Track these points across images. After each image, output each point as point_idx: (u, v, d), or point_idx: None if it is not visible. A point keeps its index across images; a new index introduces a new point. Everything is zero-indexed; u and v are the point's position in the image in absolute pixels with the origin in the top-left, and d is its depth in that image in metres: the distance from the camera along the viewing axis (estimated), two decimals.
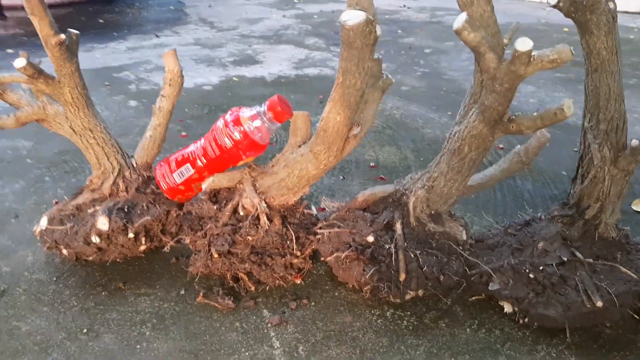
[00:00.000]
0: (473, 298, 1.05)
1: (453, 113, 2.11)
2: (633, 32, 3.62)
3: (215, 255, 1.03)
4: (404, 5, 4.55)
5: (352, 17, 0.81)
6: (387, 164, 1.68)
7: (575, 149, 1.77)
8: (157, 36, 3.44)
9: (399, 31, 3.63)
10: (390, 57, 2.97)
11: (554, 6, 0.86)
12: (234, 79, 2.57)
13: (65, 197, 1.20)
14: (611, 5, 0.87)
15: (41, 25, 1.02)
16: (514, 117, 0.86)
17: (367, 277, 0.96)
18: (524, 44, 0.75)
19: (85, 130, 1.12)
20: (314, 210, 1.16)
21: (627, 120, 0.95)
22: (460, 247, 1.02)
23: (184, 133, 1.90)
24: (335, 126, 0.95)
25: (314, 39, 3.40)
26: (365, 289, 0.98)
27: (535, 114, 0.84)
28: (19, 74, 1.05)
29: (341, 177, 1.59)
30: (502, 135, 0.91)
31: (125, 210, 1.10)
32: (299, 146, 1.05)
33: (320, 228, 1.06)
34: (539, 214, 1.09)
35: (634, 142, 0.90)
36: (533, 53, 0.75)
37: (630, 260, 0.97)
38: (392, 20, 3.97)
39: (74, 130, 1.12)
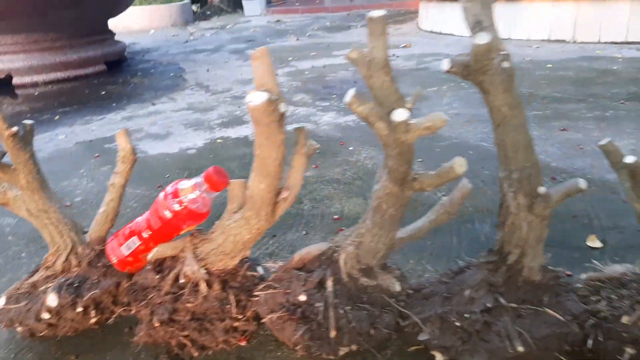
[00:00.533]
0: (412, 349, 1.05)
1: (424, 159, 2.15)
2: (617, 62, 3.65)
3: (157, 324, 1.07)
4: (394, 55, 4.68)
5: (256, 98, 0.88)
6: (351, 216, 1.71)
7: None
8: (153, 104, 3.61)
9: None
10: None
11: (448, 71, 0.91)
12: (218, 140, 2.67)
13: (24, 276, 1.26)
14: (505, 64, 0.91)
15: None
16: (416, 176, 0.90)
17: (298, 336, 0.99)
18: (400, 115, 0.80)
19: (40, 212, 1.19)
20: (260, 271, 1.20)
21: (540, 168, 0.98)
22: (394, 299, 1.04)
23: None
24: (260, 194, 1.00)
25: (302, 95, 3.52)
26: (297, 348, 1.00)
27: (432, 172, 0.88)
28: None
29: (304, 232, 1.63)
30: (412, 192, 0.95)
31: (76, 285, 1.16)
32: (235, 212, 1.10)
33: (258, 290, 1.09)
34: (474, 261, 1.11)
35: (541, 190, 0.92)
36: (410, 121, 0.80)
37: (559, 302, 0.98)
38: None
39: (30, 212, 1.19)
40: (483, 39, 0.84)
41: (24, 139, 1.18)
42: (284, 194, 1.05)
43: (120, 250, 1.18)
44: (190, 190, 1.10)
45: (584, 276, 1.04)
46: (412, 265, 1.39)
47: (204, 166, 2.31)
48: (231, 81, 4.19)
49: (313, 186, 2.00)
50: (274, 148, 0.94)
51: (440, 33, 5.71)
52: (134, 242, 1.16)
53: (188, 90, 3.99)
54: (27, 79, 4.57)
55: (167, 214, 1.10)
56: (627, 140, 2.15)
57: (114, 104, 3.71)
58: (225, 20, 9.45)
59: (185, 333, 1.07)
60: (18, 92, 4.47)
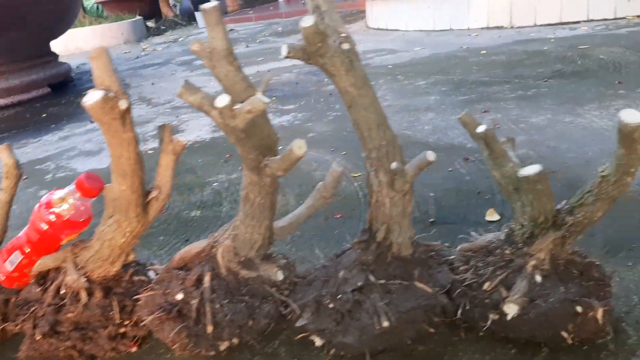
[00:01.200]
0: (298, 337, 1.05)
1: (348, 152, 2.17)
2: (549, 43, 3.74)
3: (39, 337, 1.05)
4: None
5: (91, 96, 0.87)
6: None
7: (450, 169, 1.81)
8: (91, 122, 3.56)
9: (326, 79, 3.75)
10: (308, 107, 3.07)
11: (287, 56, 0.92)
12: (149, 151, 2.64)
13: None
14: (345, 46, 0.92)
15: None
16: (266, 162, 0.90)
17: (174, 334, 0.98)
18: (222, 101, 0.80)
19: None
20: (151, 276, 1.18)
21: (398, 145, 0.99)
22: (275, 289, 1.04)
23: None
24: (123, 195, 0.99)
25: None
26: (175, 346, 0.99)
27: (278, 157, 0.89)
28: None
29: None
30: (270, 178, 0.95)
31: None
32: (110, 217, 1.08)
33: (141, 294, 1.08)
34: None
35: (393, 166, 0.93)
36: (235, 107, 0.81)
37: (430, 274, 0.99)
38: (322, 71, 4.10)
39: None
40: (308, 21, 0.85)
41: None
42: (154, 193, 1.05)
43: (4, 266, 1.15)
44: (63, 200, 1.09)
45: (458, 248, 1.06)
46: (318, 254, 1.39)
47: None
48: (174, 93, 4.13)
49: (236, 188, 1.99)
50: (123, 146, 0.93)
51: (386, 29, 5.77)
52: (17, 257, 1.14)
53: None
54: None
55: (43, 226, 1.08)
56: (542, 116, 2.20)
57: (52, 125, 3.64)
58: (179, 33, 9.39)
59: (70, 344, 1.05)
60: None
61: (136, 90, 4.54)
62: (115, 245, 1.06)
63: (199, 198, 1.95)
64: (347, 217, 1.60)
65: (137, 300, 1.10)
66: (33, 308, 1.09)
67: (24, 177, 2.51)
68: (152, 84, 4.68)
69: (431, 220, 1.48)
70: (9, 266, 1.15)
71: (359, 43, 4.89)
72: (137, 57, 6.79)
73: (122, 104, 0.91)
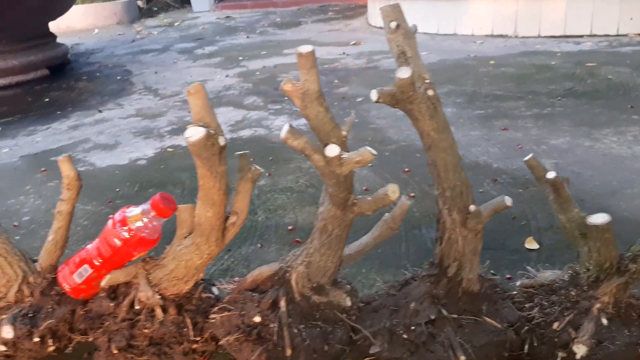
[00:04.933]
0: None
1: (374, 164, 2.22)
2: (555, 57, 3.83)
3: (115, 351, 1.08)
4: (344, 53, 4.74)
5: (194, 133, 0.90)
6: (305, 226, 1.76)
7: (481, 190, 1.87)
8: (99, 111, 3.53)
9: (335, 81, 3.78)
10: None
11: (376, 101, 0.96)
12: (169, 149, 2.65)
13: None
14: (430, 92, 0.97)
15: None
16: (355, 201, 0.95)
17: (255, 357, 1.02)
18: (332, 151, 0.85)
19: None
20: (215, 292, 1.22)
21: (470, 185, 1.04)
22: (345, 314, 1.09)
23: (111, 216, 1.95)
24: (208, 221, 1.02)
25: (253, 98, 3.53)
26: None
27: (369, 198, 0.94)
28: None
29: (259, 245, 1.66)
30: (354, 215, 1.00)
31: (30, 315, 1.15)
32: (185, 237, 1.12)
33: (214, 312, 1.12)
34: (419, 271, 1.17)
35: (472, 208, 0.99)
36: (343, 156, 0.85)
37: (496, 309, 1.05)
38: (330, 70, 4.13)
39: None
40: (405, 73, 0.90)
41: None
42: (232, 219, 1.08)
43: (72, 278, 1.18)
44: (138, 218, 1.11)
45: (518, 283, 1.12)
46: (364, 274, 1.45)
47: (155, 178, 2.30)
48: (180, 83, 4.13)
49: (267, 196, 2.03)
50: (217, 179, 0.97)
51: None
52: (86, 270, 1.16)
53: (136, 95, 3.91)
54: None
55: (117, 242, 1.11)
56: (562, 138, 2.28)
57: (58, 112, 3.60)
58: (173, 16, 9.24)
59: (145, 358, 1.09)
60: None
61: (139, 78, 4.49)
62: (192, 266, 1.09)
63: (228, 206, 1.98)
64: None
65: (208, 317, 1.14)
66: (106, 322, 1.12)
67: (42, 168, 2.51)
68: (155, 72, 4.63)
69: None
70: (77, 278, 1.17)
71: (363, 42, 4.92)
72: (133, 41, 6.68)
73: (221, 141, 0.94)
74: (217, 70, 4.53)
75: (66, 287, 1.19)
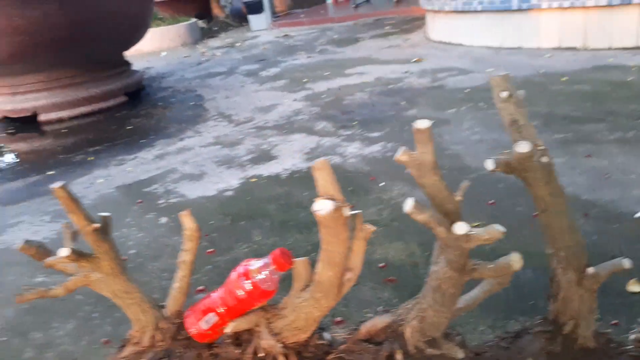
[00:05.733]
0: None
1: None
2: (630, 72, 3.71)
3: None
4: (407, 72, 4.77)
5: (323, 207, 0.98)
6: (395, 262, 1.82)
7: None
8: (180, 140, 3.73)
9: (403, 103, 3.83)
10: (394, 135, 3.15)
11: (493, 171, 1.01)
12: (252, 180, 2.78)
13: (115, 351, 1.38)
14: (544, 159, 1.01)
15: (77, 219, 1.23)
16: (475, 266, 1.00)
17: None
18: (460, 229, 0.90)
19: (123, 293, 1.31)
20: (327, 337, 1.30)
21: (585, 246, 1.07)
22: None
23: (210, 249, 2.08)
24: (329, 280, 1.10)
25: (323, 123, 3.63)
26: None
27: (491, 265, 0.98)
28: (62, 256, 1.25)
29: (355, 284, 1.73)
30: (468, 277, 1.05)
31: (164, 359, 1.27)
32: (302, 290, 1.20)
33: None
34: (529, 322, 1.21)
35: (590, 270, 1.02)
36: (471, 232, 0.90)
37: None
38: (395, 91, 4.18)
39: (115, 294, 1.31)
40: (524, 147, 0.94)
41: (104, 231, 1.29)
42: (348, 275, 1.16)
43: (199, 324, 1.29)
44: (259, 271, 1.21)
45: (632, 336, 1.14)
46: (464, 318, 1.49)
47: (243, 210, 2.43)
48: (251, 109, 4.30)
49: None
50: (341, 244, 1.04)
51: (449, 43, 5.78)
52: (212, 318, 1.27)
53: (211, 122, 4.11)
54: (52, 115, 4.72)
55: (240, 293, 1.21)
56: None
57: (142, 141, 3.83)
58: (234, 36, 9.57)
59: None
60: (45, 128, 4.62)
61: (211, 103, 4.70)
62: (311, 317, 1.18)
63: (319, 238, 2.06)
64: None
65: None
66: None
67: (139, 200, 2.70)
68: (226, 97, 4.83)
69: None
70: (204, 325, 1.29)
71: (425, 59, 4.92)
72: (200, 64, 6.98)
73: (346, 212, 1.02)
74: (284, 93, 4.68)
75: (193, 332, 1.31)
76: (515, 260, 0.94)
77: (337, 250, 1.05)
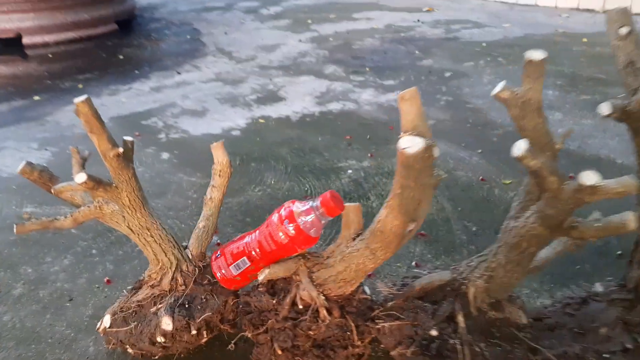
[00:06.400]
0: None
1: (483, 151, 2.11)
2: None
3: (279, 352, 1.06)
4: (418, 20, 4.54)
5: (411, 144, 0.82)
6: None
7: None
8: (178, 73, 3.48)
9: (417, 52, 3.63)
10: (411, 85, 2.96)
11: (607, 116, 0.87)
12: (260, 120, 2.60)
13: (125, 291, 1.23)
14: None
15: (100, 141, 1.05)
16: (576, 224, 0.87)
17: None
18: (589, 178, 0.76)
19: (142, 230, 1.15)
20: (367, 292, 1.18)
21: None
22: (522, 333, 1.03)
23: None
24: (393, 229, 0.96)
25: (333, 67, 3.42)
26: None
27: (597, 224, 0.85)
28: (75, 183, 1.08)
29: None
30: (562, 236, 0.92)
31: (186, 305, 1.13)
32: (353, 239, 1.06)
33: (379, 317, 1.07)
34: (594, 288, 1.10)
35: None
36: (599, 184, 0.76)
37: None
38: (408, 39, 3.97)
39: (131, 230, 1.15)
40: None
41: (126, 157, 1.12)
42: (410, 226, 1.02)
43: (229, 269, 1.15)
44: (305, 214, 1.06)
45: None
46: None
47: (253, 152, 2.26)
48: (253, 47, 4.04)
49: (375, 179, 1.96)
50: (422, 191, 0.89)
51: None
52: (244, 263, 1.13)
53: (210, 57, 3.84)
54: (37, 39, 4.37)
55: (283, 238, 1.06)
56: None
57: (136, 71, 3.57)
58: None
59: (306, 359, 1.06)
60: (28, 52, 4.28)
61: (210, 39, 4.41)
62: (362, 269, 1.04)
63: (338, 187, 1.92)
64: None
65: (367, 320, 1.10)
66: (268, 318, 1.09)
67: (136, 133, 2.49)
68: (225, 33, 4.53)
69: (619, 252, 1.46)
70: (234, 270, 1.14)
71: (437, 9, 4.69)
72: None
73: (436, 152, 0.87)
74: (288, 34, 4.41)
75: (220, 277, 1.17)
76: (631, 219, 0.81)
77: (413, 197, 0.90)
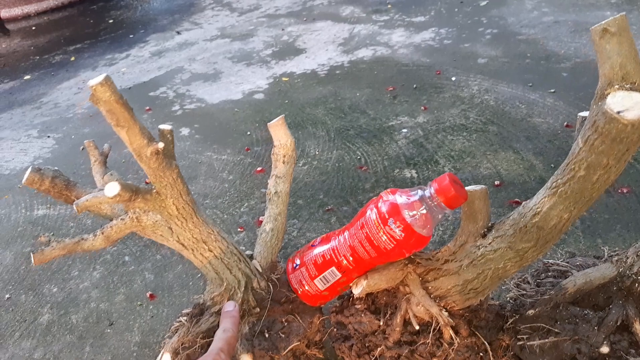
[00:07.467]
0: None
1: (557, 90, 1.81)
2: None
3: None
4: None
5: (629, 105, 0.54)
6: (512, 178, 1.42)
7: None
8: (178, 33, 3.13)
9: None
10: (444, 19, 2.62)
11: None
12: (284, 79, 2.28)
13: (183, 320, 0.98)
14: None
15: (130, 135, 0.76)
16: None
17: None
18: None
19: (197, 243, 0.88)
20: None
21: None
22: None
23: (259, 168, 1.64)
24: (560, 224, 0.70)
25: (350, 8, 3.05)
26: None
27: None
28: (104, 195, 0.81)
29: None
30: None
31: (265, 334, 0.89)
32: (482, 235, 0.80)
33: (518, 330, 0.83)
34: None
35: None
36: None
37: None
38: None
39: (183, 245, 0.88)
40: None
41: (167, 153, 0.83)
42: (566, 215, 0.75)
43: (314, 283, 0.89)
44: (415, 207, 0.79)
45: None
46: None
47: (279, 115, 1.96)
48: None
49: (437, 137, 1.67)
50: (616, 170, 0.62)
51: None
52: (333, 274, 0.87)
53: (209, 11, 3.47)
54: (16, 11, 3.98)
55: (388, 243, 0.80)
56: None
57: (131, 36, 3.21)
58: None
59: None
60: (9, 26, 3.90)
61: None
62: (501, 276, 0.79)
63: (397, 151, 1.64)
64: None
65: (499, 330, 0.85)
66: (376, 344, 0.84)
67: (147, 107, 2.19)
68: None
69: None
70: (320, 284, 0.88)
71: None
72: None
73: None
74: None
75: (301, 293, 0.91)
76: None
77: (599, 181, 0.62)
